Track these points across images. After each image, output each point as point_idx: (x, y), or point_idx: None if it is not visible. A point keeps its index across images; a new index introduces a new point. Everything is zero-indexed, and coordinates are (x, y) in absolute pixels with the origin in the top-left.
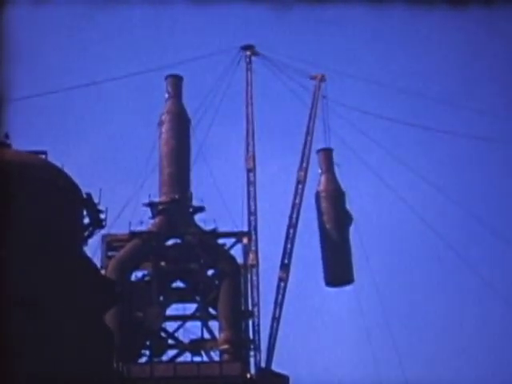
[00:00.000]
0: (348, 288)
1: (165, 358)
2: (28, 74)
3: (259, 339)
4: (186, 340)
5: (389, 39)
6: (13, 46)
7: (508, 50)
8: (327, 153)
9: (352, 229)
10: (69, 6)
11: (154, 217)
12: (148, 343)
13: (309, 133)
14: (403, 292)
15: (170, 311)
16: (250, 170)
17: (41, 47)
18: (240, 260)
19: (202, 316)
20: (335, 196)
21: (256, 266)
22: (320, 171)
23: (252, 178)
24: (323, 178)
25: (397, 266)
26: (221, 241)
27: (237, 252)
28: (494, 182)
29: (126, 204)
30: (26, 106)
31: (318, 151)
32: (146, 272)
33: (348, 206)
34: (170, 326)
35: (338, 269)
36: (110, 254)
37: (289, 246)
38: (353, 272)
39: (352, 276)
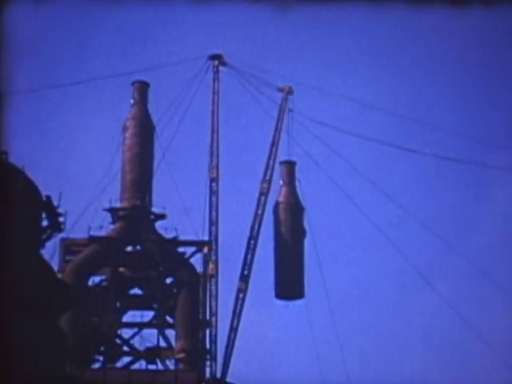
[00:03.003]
0: (299, 302)
1: (119, 364)
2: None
3: (216, 349)
4: (141, 348)
5: (367, 52)
6: (13, 44)
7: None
8: (290, 165)
9: (309, 243)
10: (68, 6)
11: (114, 222)
12: (102, 349)
13: (274, 144)
14: (357, 308)
15: (126, 318)
16: (213, 180)
17: (40, 46)
18: (200, 269)
19: (158, 324)
20: (294, 209)
21: (215, 275)
22: (282, 183)
23: (215, 188)
24: (284, 190)
25: (354, 282)
26: (181, 249)
27: (197, 261)
28: (459, 202)
29: (85, 208)
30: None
31: (281, 163)
32: (103, 277)
33: (305, 220)
34: (126, 332)
35: (288, 282)
36: (67, 257)
37: (249, 256)
38: (304, 287)
39: (302, 291)
